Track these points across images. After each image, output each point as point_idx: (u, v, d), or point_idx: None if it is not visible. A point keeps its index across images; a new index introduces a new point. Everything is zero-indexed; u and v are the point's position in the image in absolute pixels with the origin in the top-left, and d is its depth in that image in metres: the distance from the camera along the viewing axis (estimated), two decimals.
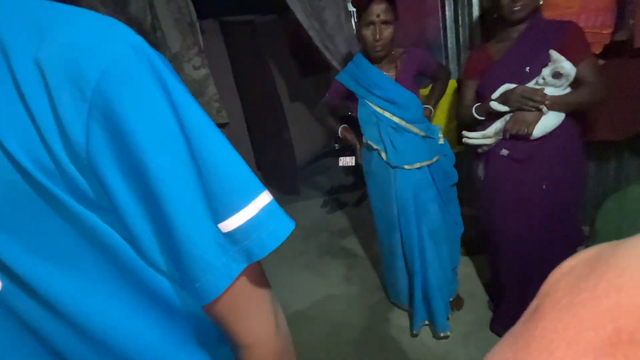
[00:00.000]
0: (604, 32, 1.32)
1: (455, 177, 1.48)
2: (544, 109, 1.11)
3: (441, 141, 1.47)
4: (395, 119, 1.37)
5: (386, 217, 1.52)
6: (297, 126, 3.60)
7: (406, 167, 1.39)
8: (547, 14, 1.44)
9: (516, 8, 1.15)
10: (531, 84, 1.16)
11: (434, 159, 1.42)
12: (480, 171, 1.41)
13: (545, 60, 1.13)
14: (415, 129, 1.38)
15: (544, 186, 1.23)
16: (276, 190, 3.66)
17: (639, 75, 1.36)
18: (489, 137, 1.25)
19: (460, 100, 1.42)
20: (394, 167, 1.41)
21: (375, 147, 1.42)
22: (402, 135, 1.39)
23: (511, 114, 1.19)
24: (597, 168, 1.79)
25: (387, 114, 1.38)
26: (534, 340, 0.16)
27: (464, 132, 1.29)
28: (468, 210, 1.70)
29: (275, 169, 3.68)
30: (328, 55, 1.93)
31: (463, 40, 1.94)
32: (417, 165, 1.39)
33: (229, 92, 3.34)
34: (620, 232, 1.71)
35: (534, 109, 1.07)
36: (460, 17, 1.90)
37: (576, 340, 0.14)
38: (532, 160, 1.22)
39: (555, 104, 1.12)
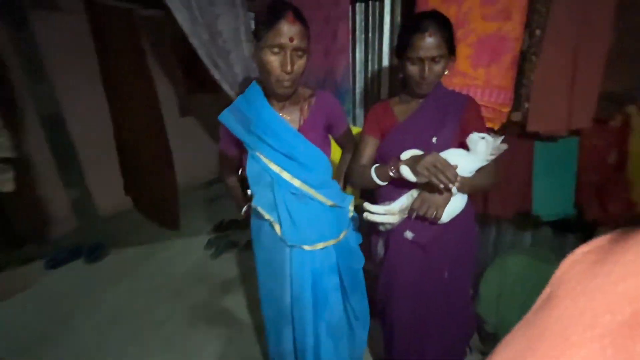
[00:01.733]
0: (503, 110, 1.32)
1: (361, 259, 1.23)
2: (454, 189, 0.96)
3: (351, 213, 1.21)
4: (296, 183, 1.04)
5: (276, 306, 1.16)
6: (185, 145, 2.95)
7: (306, 247, 1.07)
8: (453, 81, 1.39)
9: (424, 85, 1.04)
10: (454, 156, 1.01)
11: (341, 236, 1.15)
12: (380, 248, 1.22)
13: (449, 133, 1.06)
14: (321, 197, 1.08)
15: (445, 274, 1.12)
16: (150, 221, 2.89)
17: (528, 155, 1.41)
18: (393, 214, 1.05)
19: (356, 157, 1.20)
20: (290, 246, 1.07)
21: (267, 216, 1.06)
22: (303, 203, 1.07)
23: (418, 192, 1.02)
24: (480, 237, 1.87)
25: (285, 175, 1.04)
26: (547, 327, 0.16)
27: (366, 205, 1.05)
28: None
29: (150, 195, 2.91)
30: (217, 76, 1.50)
31: (372, 86, 1.80)
32: (321, 245, 1.09)
33: (91, 92, 2.50)
34: (500, 298, 1.81)
35: (442, 185, 0.90)
36: (370, 62, 1.76)
37: (592, 324, 0.14)
38: (435, 245, 1.10)
39: (465, 186, 1.00)
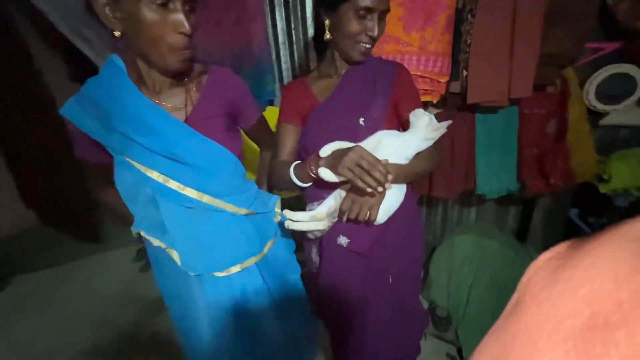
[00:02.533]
0: (441, 80, 1.16)
1: (296, 269, 1.03)
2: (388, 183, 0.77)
3: (278, 218, 0.99)
4: (191, 193, 0.79)
5: (198, 344, 0.93)
6: None
7: (218, 274, 0.84)
8: (384, 49, 1.19)
9: (368, 48, 0.84)
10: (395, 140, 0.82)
11: (266, 249, 0.93)
12: (314, 256, 1.04)
13: (379, 111, 0.87)
14: (231, 206, 0.84)
15: (390, 279, 0.97)
16: (63, 236, 2.43)
17: (469, 130, 1.28)
18: (320, 219, 0.85)
19: (275, 152, 0.99)
20: (197, 275, 0.83)
21: (156, 242, 0.80)
22: (206, 219, 0.82)
23: (347, 190, 0.83)
24: (426, 218, 1.78)
25: (172, 184, 0.77)
26: (518, 334, 0.16)
27: (286, 213, 0.84)
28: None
29: (61, 205, 2.43)
30: (87, 50, 1.14)
31: (299, 59, 1.55)
32: (237, 268, 0.86)
33: None
34: (450, 280, 1.76)
35: (369, 189, 0.71)
36: (294, 30, 1.50)
37: (556, 329, 0.14)
38: (375, 249, 0.94)
39: (401, 176, 0.81)
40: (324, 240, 0.93)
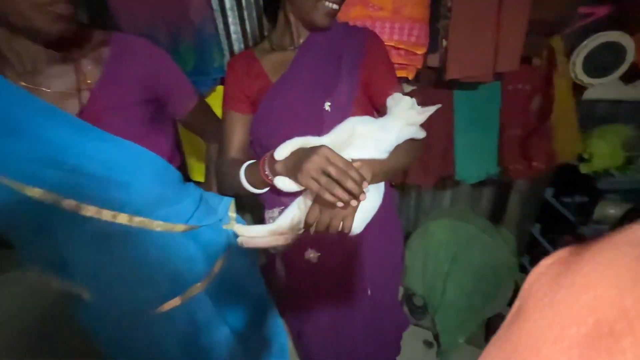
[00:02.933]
0: (418, 52, 0.99)
1: (258, 282, 0.86)
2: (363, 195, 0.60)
3: (232, 224, 0.80)
4: (99, 214, 0.58)
5: None
6: None
7: (153, 311, 0.65)
8: (350, 14, 0.99)
9: (334, 6, 0.66)
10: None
11: (217, 267, 0.75)
12: (280, 269, 0.88)
13: (348, 92, 0.70)
14: (161, 224, 0.64)
15: (368, 291, 0.83)
16: None
17: (447, 110, 1.14)
18: (282, 233, 0.68)
19: (221, 148, 0.79)
20: None
21: (56, 284, 0.59)
22: (125, 245, 0.61)
23: (311, 194, 0.65)
24: (399, 202, 1.67)
25: (69, 205, 0.56)
26: (521, 342, 0.16)
27: (238, 228, 0.66)
28: None
29: None
30: None
31: (252, 27, 1.30)
32: (177, 301, 0.67)
33: None
34: (425, 266, 1.69)
35: (340, 204, 0.55)
36: None
37: (560, 337, 0.14)
38: (350, 263, 0.79)
39: (379, 175, 0.65)
40: (289, 255, 0.77)
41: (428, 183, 1.25)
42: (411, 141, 0.68)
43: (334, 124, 0.68)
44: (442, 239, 1.53)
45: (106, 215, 0.58)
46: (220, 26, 1.24)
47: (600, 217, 1.23)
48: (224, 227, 0.83)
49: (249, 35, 1.28)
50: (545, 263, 0.18)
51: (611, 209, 1.21)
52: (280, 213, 0.75)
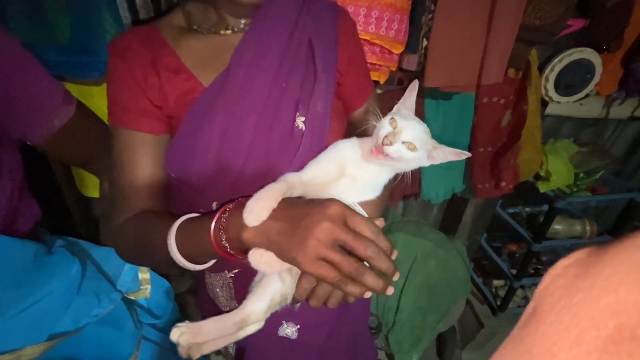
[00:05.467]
0: (395, 51, 0.79)
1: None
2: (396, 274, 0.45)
3: (144, 294, 0.54)
4: None
5: None
6: None
7: None
8: None
9: None
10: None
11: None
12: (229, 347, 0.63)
13: (322, 96, 0.49)
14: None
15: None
16: None
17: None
18: (255, 321, 0.45)
19: (114, 196, 0.48)
20: None
21: None
22: None
23: (289, 268, 0.43)
24: None
25: None
26: (534, 344, 0.15)
27: (177, 334, 0.40)
28: None
29: None
30: None
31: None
32: None
33: None
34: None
35: (375, 289, 0.38)
36: None
37: (578, 341, 0.13)
38: (333, 333, 0.60)
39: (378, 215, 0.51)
40: (255, 334, 0.52)
41: (391, 204, 1.09)
42: None
43: (310, 149, 0.47)
44: (398, 256, 1.43)
45: None
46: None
47: (550, 233, 1.25)
48: (132, 296, 0.54)
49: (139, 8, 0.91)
50: (562, 264, 0.17)
51: (558, 225, 1.23)
52: (233, 280, 0.53)
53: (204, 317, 0.43)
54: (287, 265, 0.40)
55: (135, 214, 0.45)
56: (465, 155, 0.45)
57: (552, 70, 0.94)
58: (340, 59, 0.52)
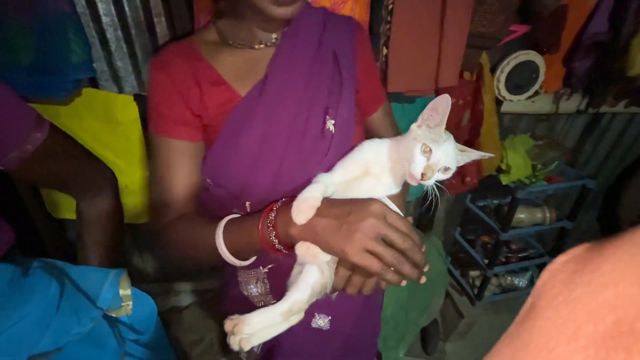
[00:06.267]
0: None
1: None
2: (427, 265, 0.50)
3: (125, 310, 0.56)
4: None
5: None
6: None
7: None
8: None
9: None
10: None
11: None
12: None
13: (350, 101, 0.55)
14: None
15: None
16: None
17: None
18: (298, 311, 0.48)
19: (157, 199, 0.54)
20: None
21: None
22: None
23: (329, 260, 0.48)
24: None
25: None
26: (531, 339, 0.15)
27: (230, 324, 0.43)
28: None
29: None
30: None
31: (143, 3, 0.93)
32: None
33: None
34: None
35: (411, 277, 0.43)
36: None
37: (576, 335, 0.14)
38: (361, 321, 0.66)
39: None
40: (289, 328, 0.55)
41: None
42: None
43: (339, 150, 0.52)
44: None
45: None
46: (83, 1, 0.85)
47: (515, 222, 1.33)
48: (113, 313, 0.55)
49: (128, 18, 0.92)
50: (560, 260, 0.17)
51: (522, 214, 1.32)
52: (268, 275, 0.58)
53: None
54: (329, 256, 0.45)
55: (179, 216, 0.51)
56: (487, 155, 0.49)
57: (502, 71, 1.04)
58: (358, 67, 0.58)
